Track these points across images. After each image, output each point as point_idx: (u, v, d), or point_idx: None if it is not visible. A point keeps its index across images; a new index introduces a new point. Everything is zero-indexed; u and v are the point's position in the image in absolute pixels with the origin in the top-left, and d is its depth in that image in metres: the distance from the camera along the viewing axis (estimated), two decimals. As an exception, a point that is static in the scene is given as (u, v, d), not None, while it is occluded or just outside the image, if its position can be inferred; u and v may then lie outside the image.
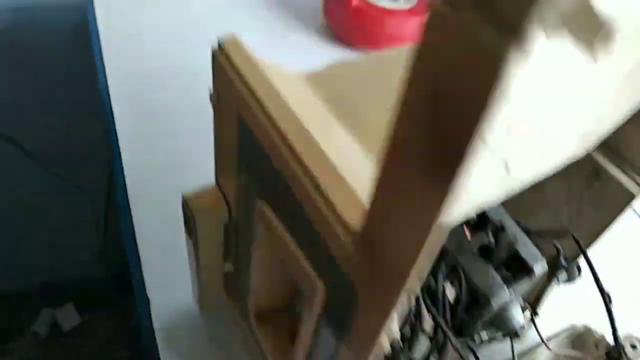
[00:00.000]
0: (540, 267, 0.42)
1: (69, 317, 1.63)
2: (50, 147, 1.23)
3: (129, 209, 0.64)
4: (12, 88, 1.13)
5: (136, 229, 0.63)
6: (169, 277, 0.57)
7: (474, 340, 0.44)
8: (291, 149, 0.29)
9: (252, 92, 0.32)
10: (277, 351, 0.45)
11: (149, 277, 0.60)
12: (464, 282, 0.41)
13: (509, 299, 0.42)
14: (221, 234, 0.46)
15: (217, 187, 0.44)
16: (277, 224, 0.34)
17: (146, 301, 0.58)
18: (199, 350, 0.55)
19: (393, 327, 0.26)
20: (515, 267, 0.42)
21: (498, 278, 0.41)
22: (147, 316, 0.57)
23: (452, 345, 0.39)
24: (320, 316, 0.33)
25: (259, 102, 0.32)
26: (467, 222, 0.42)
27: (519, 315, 0.44)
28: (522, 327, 0.43)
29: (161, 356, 0.54)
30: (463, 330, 0.44)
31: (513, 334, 0.44)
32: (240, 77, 0.33)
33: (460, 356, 0.39)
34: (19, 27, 1.04)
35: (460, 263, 0.41)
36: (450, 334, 0.40)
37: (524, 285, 0.43)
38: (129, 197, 0.65)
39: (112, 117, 0.71)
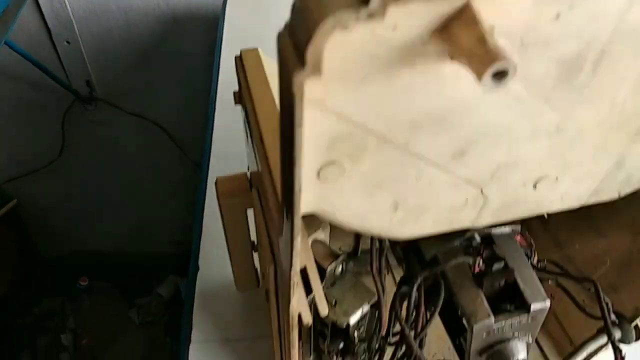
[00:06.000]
0: (538, 305, 0.40)
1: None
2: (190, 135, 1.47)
3: (206, 184, 0.76)
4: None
5: (206, 205, 0.73)
6: (223, 254, 0.58)
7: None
8: (263, 145, 0.35)
9: (250, 92, 0.37)
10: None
11: (204, 250, 0.69)
12: (441, 298, 0.39)
13: (503, 332, 0.40)
14: (244, 219, 0.48)
15: (246, 174, 0.46)
16: (259, 210, 0.41)
17: (196, 268, 0.68)
18: (226, 318, 0.63)
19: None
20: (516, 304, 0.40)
21: (485, 304, 0.39)
22: (193, 281, 0.66)
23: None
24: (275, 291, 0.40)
25: (252, 99, 0.37)
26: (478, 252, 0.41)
27: (518, 351, 0.41)
28: None
29: (194, 317, 0.62)
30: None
31: None
32: (247, 81, 0.37)
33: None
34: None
35: (447, 279, 0.40)
36: (413, 343, 0.38)
37: (523, 322, 0.40)
38: (209, 172, 0.77)
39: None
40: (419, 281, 0.39)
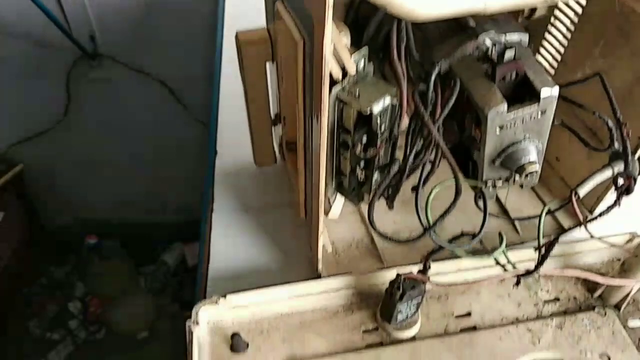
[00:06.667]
0: (547, 91, 0.41)
1: (194, 254, 1.82)
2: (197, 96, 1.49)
3: (219, 85, 0.81)
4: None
5: (221, 99, 0.80)
6: (240, 140, 0.64)
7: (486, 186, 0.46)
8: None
9: None
10: (294, 166, 0.55)
11: (222, 136, 0.74)
12: (456, 90, 0.40)
13: (516, 133, 0.41)
14: (264, 71, 0.52)
15: (266, 28, 0.51)
16: (284, 10, 0.45)
17: (214, 152, 0.72)
18: (245, 191, 0.67)
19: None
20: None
21: (498, 93, 0.39)
22: (212, 164, 0.70)
23: (435, 140, 0.39)
24: (303, 72, 0.41)
25: None
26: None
27: (529, 152, 0.43)
28: (532, 164, 0.43)
29: (215, 192, 0.66)
30: (474, 172, 0.46)
31: (521, 170, 0.43)
32: None
33: (444, 154, 0.41)
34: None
35: (458, 75, 0.41)
36: (434, 129, 0.39)
37: (534, 116, 0.42)
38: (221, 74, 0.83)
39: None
40: (436, 72, 0.42)
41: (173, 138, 1.63)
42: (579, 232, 0.57)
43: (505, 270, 0.46)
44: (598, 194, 0.60)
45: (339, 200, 0.53)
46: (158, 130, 1.62)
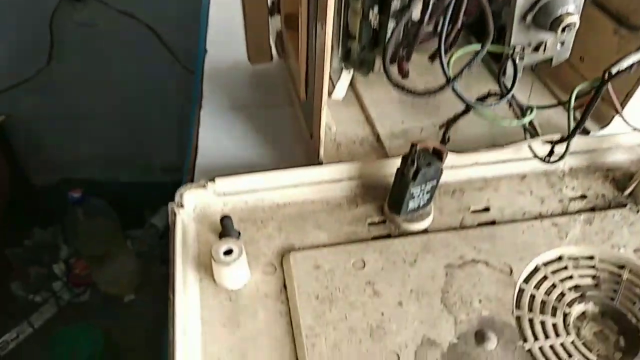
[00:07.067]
0: None
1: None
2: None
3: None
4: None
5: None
6: (231, 38, 0.60)
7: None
8: None
9: None
10: (294, 43, 0.49)
11: (212, 32, 0.69)
12: None
13: None
14: None
15: None
16: None
17: (204, 51, 0.67)
18: (238, 89, 0.61)
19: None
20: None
21: None
22: (201, 63, 0.65)
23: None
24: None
25: None
26: None
27: (566, 2, 0.40)
28: (570, 14, 0.40)
29: (204, 89, 0.61)
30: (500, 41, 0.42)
31: (557, 23, 0.39)
32: None
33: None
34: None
35: None
36: None
37: None
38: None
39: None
40: None
41: (160, 90, 1.55)
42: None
43: (534, 135, 0.40)
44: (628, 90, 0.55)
45: (345, 78, 0.47)
46: (145, 82, 1.55)
